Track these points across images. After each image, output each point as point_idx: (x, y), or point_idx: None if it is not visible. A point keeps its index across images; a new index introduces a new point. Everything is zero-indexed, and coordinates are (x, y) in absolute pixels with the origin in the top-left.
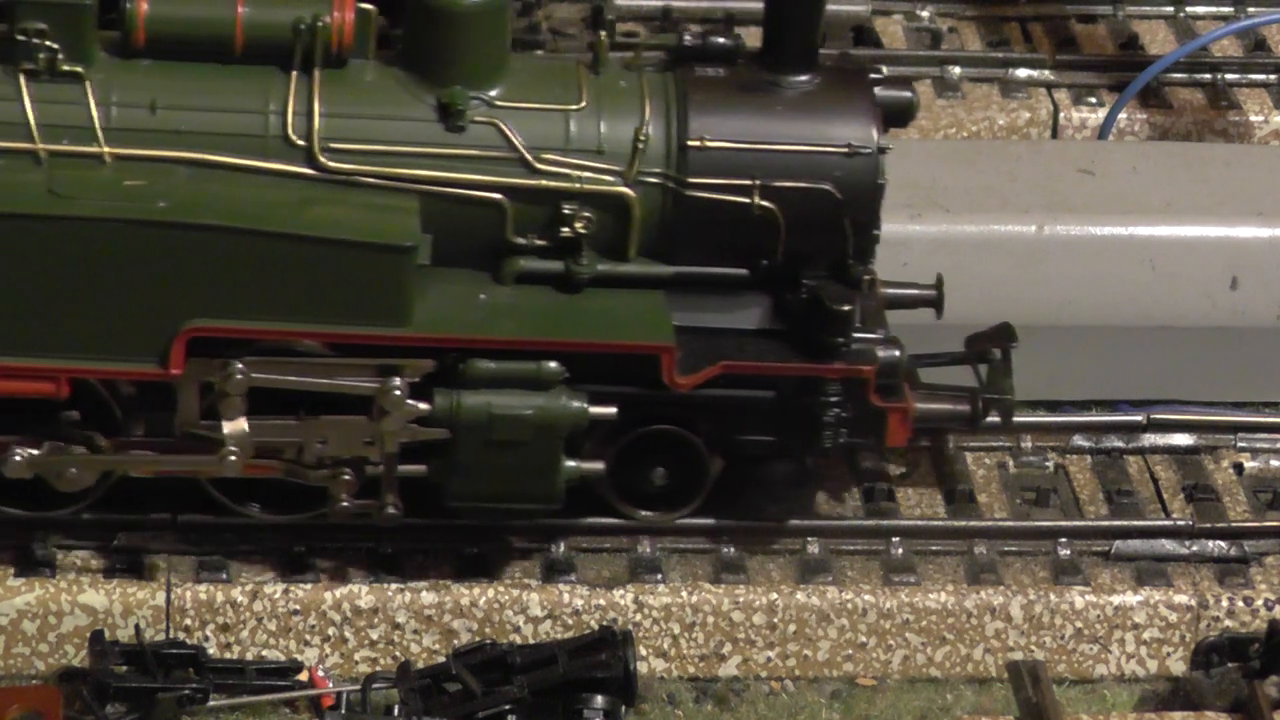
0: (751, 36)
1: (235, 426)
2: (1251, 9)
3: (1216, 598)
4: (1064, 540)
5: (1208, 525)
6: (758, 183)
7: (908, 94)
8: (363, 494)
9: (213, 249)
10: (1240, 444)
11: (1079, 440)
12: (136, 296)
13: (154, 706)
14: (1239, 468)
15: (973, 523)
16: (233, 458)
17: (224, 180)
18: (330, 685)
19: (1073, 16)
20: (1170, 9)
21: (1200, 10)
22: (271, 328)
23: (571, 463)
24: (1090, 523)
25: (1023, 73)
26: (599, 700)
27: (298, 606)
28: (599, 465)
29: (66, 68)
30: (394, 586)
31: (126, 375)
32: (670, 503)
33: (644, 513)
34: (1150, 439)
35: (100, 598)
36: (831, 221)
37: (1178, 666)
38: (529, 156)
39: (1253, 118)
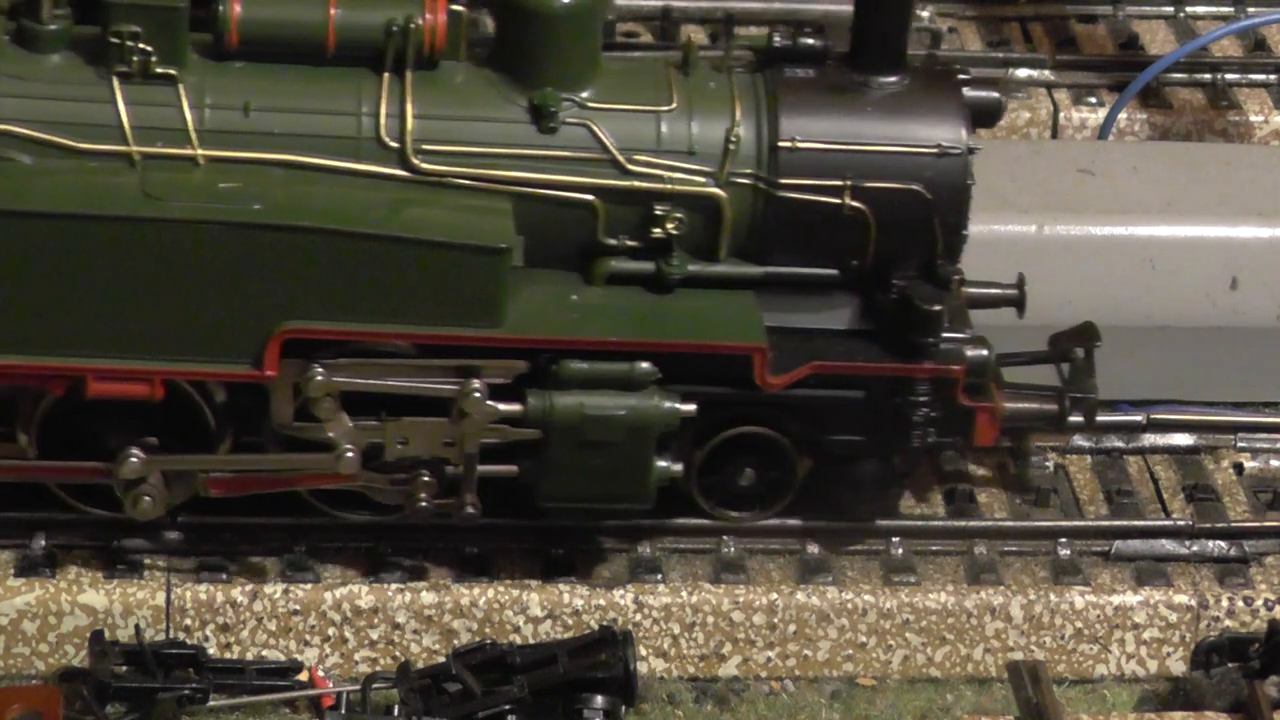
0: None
1: (343, 425)
2: (1251, 9)
3: (1216, 598)
4: (1064, 540)
5: (1208, 525)
6: (848, 183)
7: (995, 95)
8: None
9: (307, 251)
10: (1240, 444)
11: (1079, 440)
12: (231, 298)
13: (154, 706)
14: (1239, 468)
15: (973, 523)
16: (350, 454)
17: (318, 182)
18: (330, 685)
19: (1073, 16)
20: (1170, 9)
21: (1200, 10)
22: (365, 329)
23: (663, 463)
24: (1090, 523)
25: (1023, 73)
26: (599, 700)
27: (298, 606)
28: (677, 467)
29: (160, 70)
30: (394, 586)
31: (221, 377)
32: (756, 503)
33: (732, 513)
34: (1150, 439)
35: (100, 598)
36: (921, 222)
37: (1178, 666)
38: (620, 158)
39: (1253, 118)
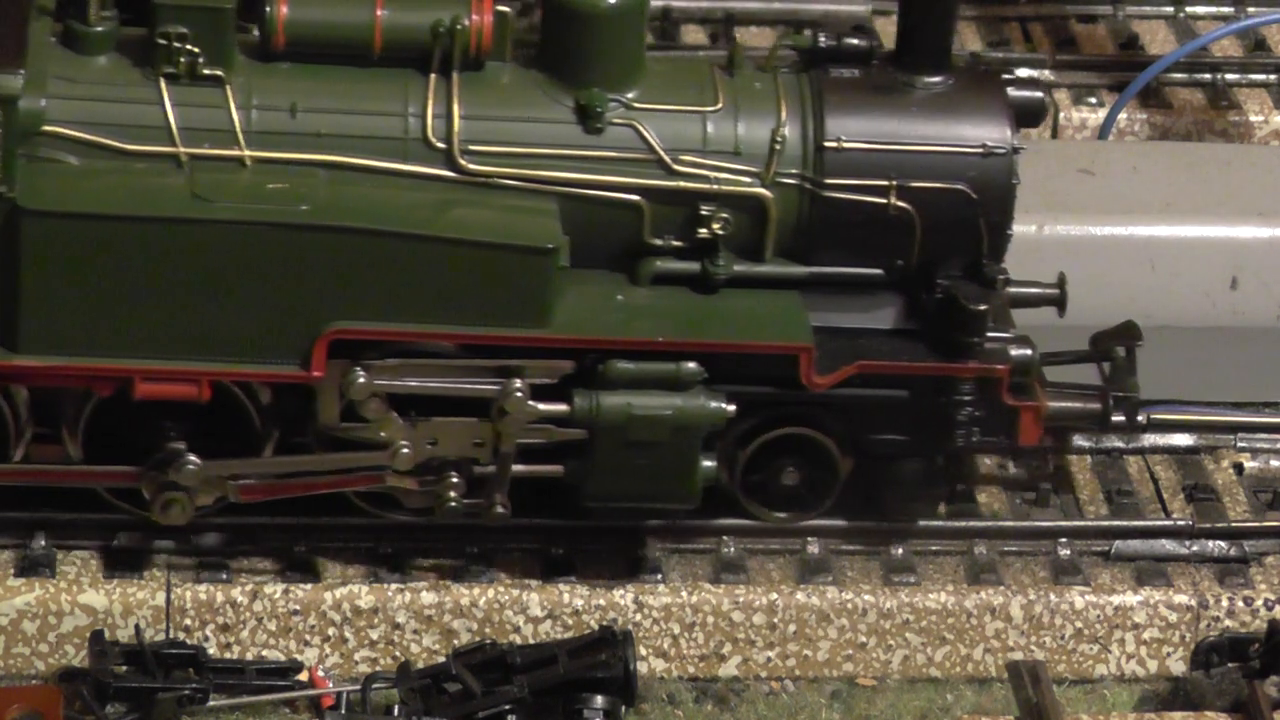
0: (752, 37)
1: (394, 423)
2: (1251, 9)
3: (1216, 598)
4: (1064, 540)
5: (1208, 525)
6: (894, 183)
7: (1039, 94)
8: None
9: (355, 251)
10: (1240, 444)
11: (1079, 440)
12: (278, 299)
13: (154, 706)
14: (1239, 468)
15: (973, 523)
16: (405, 450)
17: (364, 183)
18: (330, 685)
19: (1073, 16)
20: (1170, 9)
21: (1200, 10)
22: (412, 329)
23: (709, 462)
24: (1090, 523)
25: (1023, 73)
26: (599, 700)
27: (298, 606)
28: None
29: (207, 71)
30: (394, 586)
31: (268, 378)
32: (799, 503)
33: (776, 514)
34: (1150, 439)
35: (100, 598)
36: (966, 222)
37: (1178, 666)
38: (667, 158)
39: (1253, 118)
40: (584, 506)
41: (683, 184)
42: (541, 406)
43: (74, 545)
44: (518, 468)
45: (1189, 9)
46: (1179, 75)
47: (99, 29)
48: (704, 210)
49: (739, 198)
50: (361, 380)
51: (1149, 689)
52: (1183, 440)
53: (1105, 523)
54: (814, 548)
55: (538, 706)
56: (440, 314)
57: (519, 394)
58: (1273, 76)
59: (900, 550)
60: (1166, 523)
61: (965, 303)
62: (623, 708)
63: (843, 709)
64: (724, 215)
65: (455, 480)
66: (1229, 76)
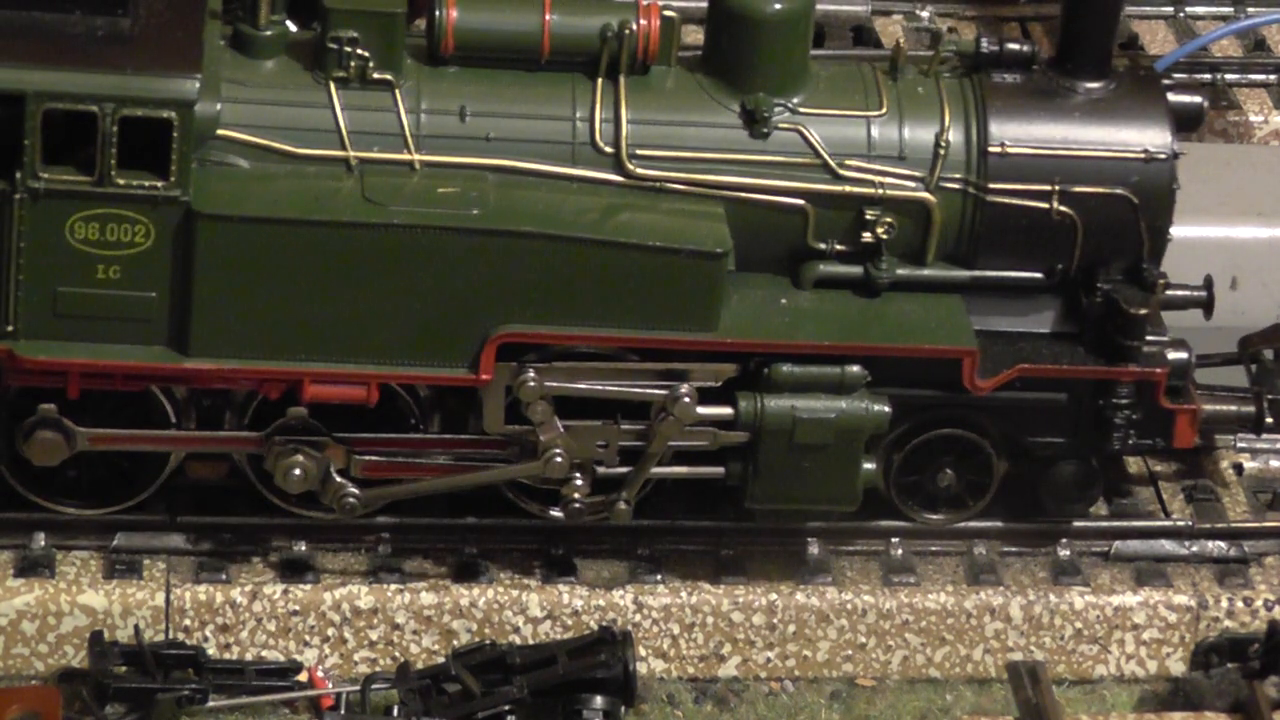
0: None
1: (554, 428)
2: (1251, 9)
3: (1216, 598)
4: (1064, 540)
5: (1207, 525)
6: (1057, 188)
7: (1199, 100)
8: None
9: (526, 256)
10: (1240, 444)
11: None
12: (448, 302)
13: (153, 707)
14: (1239, 468)
15: (973, 523)
16: (558, 459)
17: (533, 187)
18: (329, 686)
19: None
20: (1170, 9)
21: (1200, 10)
22: (582, 333)
23: (870, 465)
24: (1090, 523)
25: None
26: (599, 700)
27: (297, 607)
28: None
29: (376, 75)
30: (393, 587)
31: (436, 381)
32: (954, 504)
33: (930, 515)
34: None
35: (100, 598)
36: (1128, 226)
37: (1177, 667)
38: (832, 162)
39: (1253, 118)
40: (746, 509)
41: (848, 188)
42: (703, 410)
43: (74, 545)
44: (678, 469)
45: (1189, 9)
46: (1179, 75)
47: (269, 33)
48: (868, 214)
49: (903, 202)
50: (533, 382)
51: (1149, 689)
52: None
53: (1105, 523)
54: (814, 548)
55: (537, 707)
56: (608, 317)
57: (688, 398)
58: (1272, 76)
59: (900, 550)
60: (1166, 523)
61: (1127, 307)
62: (622, 708)
63: (842, 709)
64: (888, 219)
65: (579, 482)
66: (1229, 76)
